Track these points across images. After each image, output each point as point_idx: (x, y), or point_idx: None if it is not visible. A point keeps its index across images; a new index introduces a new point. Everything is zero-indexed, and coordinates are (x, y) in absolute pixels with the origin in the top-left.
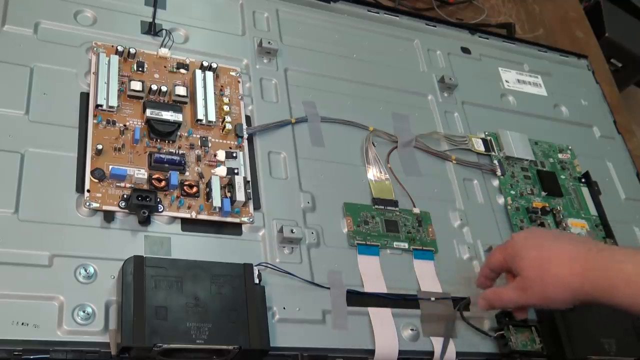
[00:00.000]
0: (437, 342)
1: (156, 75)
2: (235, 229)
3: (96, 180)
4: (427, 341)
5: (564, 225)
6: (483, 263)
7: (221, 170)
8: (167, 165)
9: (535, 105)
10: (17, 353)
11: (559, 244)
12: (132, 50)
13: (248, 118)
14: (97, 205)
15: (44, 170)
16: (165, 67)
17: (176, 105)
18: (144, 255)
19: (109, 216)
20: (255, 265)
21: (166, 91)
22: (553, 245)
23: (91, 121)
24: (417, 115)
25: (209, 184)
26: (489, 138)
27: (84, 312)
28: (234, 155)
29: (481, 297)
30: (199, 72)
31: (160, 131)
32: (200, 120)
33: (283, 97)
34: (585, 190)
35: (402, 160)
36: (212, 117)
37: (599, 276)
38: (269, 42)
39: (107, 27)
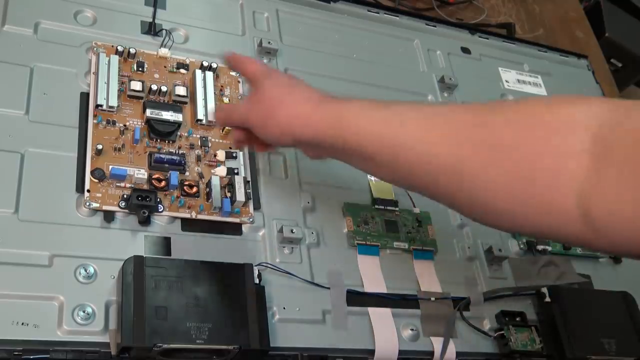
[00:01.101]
0: (437, 342)
1: (156, 75)
2: (235, 229)
3: (96, 180)
4: (427, 341)
5: None
6: (241, 57)
7: (221, 170)
8: (167, 165)
9: None
10: (17, 353)
11: (302, 86)
12: (132, 50)
13: None
14: (97, 205)
15: (44, 170)
16: (165, 67)
17: (176, 105)
18: (144, 255)
19: (109, 216)
20: (255, 265)
21: (166, 91)
22: (301, 83)
23: (91, 121)
24: None
25: (209, 184)
26: None
27: (84, 312)
28: (234, 155)
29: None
30: (199, 72)
31: (160, 131)
32: (200, 120)
33: None
34: None
35: None
36: (212, 117)
37: (330, 108)
38: (269, 42)
39: (107, 27)
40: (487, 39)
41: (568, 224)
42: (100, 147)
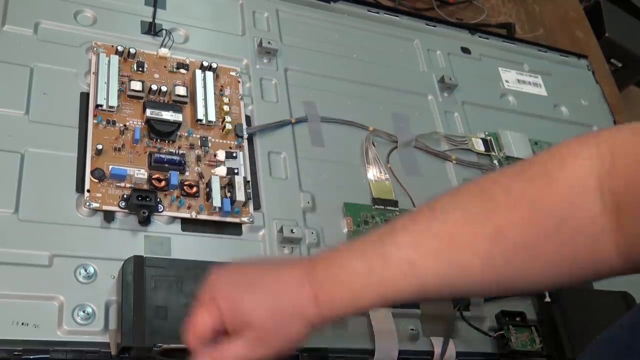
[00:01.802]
0: (437, 342)
1: (156, 75)
2: (235, 229)
3: (96, 180)
4: (427, 341)
5: None
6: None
7: (221, 170)
8: (167, 165)
9: (535, 105)
10: (17, 353)
11: (271, 274)
12: (132, 50)
13: (248, 118)
14: (97, 205)
15: (44, 170)
16: (165, 67)
17: (176, 105)
18: (144, 255)
19: (109, 216)
20: None
21: (166, 91)
22: (267, 278)
23: (91, 121)
24: (417, 115)
25: (209, 184)
26: (489, 138)
27: (84, 312)
28: (234, 155)
29: None
30: (199, 72)
31: (160, 131)
32: (200, 120)
33: (283, 97)
34: None
35: (402, 160)
36: (212, 117)
37: (335, 293)
38: (269, 42)
39: (107, 27)
40: (487, 39)
41: (612, 272)
42: (100, 147)
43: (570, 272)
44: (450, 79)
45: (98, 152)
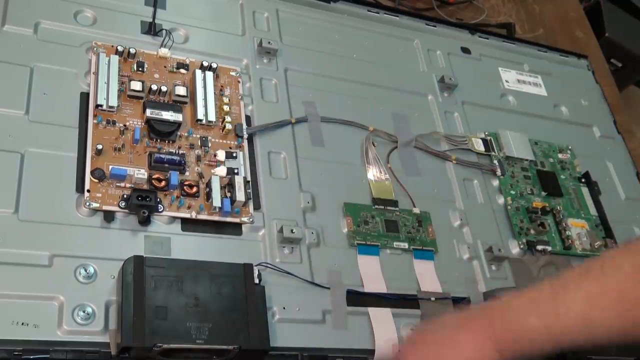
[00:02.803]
0: None
1: (156, 75)
2: (235, 229)
3: (96, 180)
4: None
5: (564, 224)
6: None
7: (221, 170)
8: (167, 165)
9: (535, 105)
10: (17, 353)
11: (456, 335)
12: (132, 50)
13: (248, 118)
14: (97, 205)
15: (44, 170)
16: (165, 67)
17: (176, 105)
18: (144, 255)
19: (109, 216)
20: (255, 265)
21: (166, 91)
22: (453, 339)
23: (91, 121)
24: (417, 115)
25: (209, 184)
26: (489, 138)
27: (84, 312)
28: (234, 155)
29: None
30: (199, 72)
31: (160, 131)
32: (200, 120)
33: (283, 97)
34: (585, 191)
35: (402, 160)
36: (212, 117)
37: (512, 344)
38: (269, 42)
39: (107, 27)
40: (487, 39)
41: None
42: (100, 147)
43: None
44: (450, 79)
45: (98, 152)
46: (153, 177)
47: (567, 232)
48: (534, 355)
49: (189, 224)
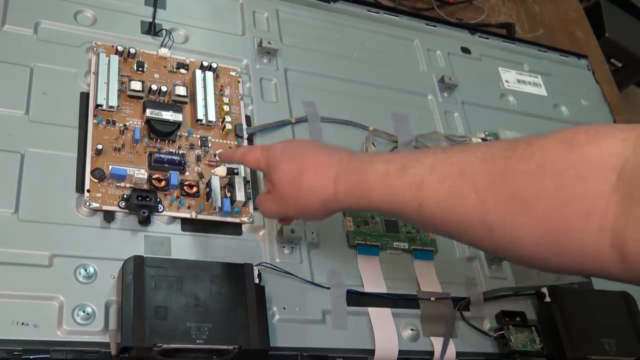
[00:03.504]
0: (437, 342)
1: (156, 75)
2: (235, 229)
3: (96, 180)
4: (427, 341)
5: None
6: (237, 150)
7: (221, 170)
8: (167, 165)
9: (535, 105)
10: (17, 353)
11: (314, 154)
12: (132, 50)
13: (248, 118)
14: (97, 205)
15: (44, 170)
16: (165, 67)
17: (176, 105)
18: (144, 255)
19: (109, 216)
20: (255, 265)
21: (166, 91)
22: (308, 156)
23: (91, 121)
24: (417, 115)
25: (209, 184)
26: (489, 138)
27: (84, 312)
28: None
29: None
30: (199, 72)
31: (160, 131)
32: (200, 120)
33: (283, 97)
34: None
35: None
36: (212, 117)
37: (351, 181)
38: (269, 42)
39: (107, 27)
40: (487, 39)
41: (602, 264)
42: (100, 147)
43: (553, 248)
44: (450, 79)
45: (98, 152)
46: (153, 177)
47: None
48: (361, 207)
49: (189, 224)
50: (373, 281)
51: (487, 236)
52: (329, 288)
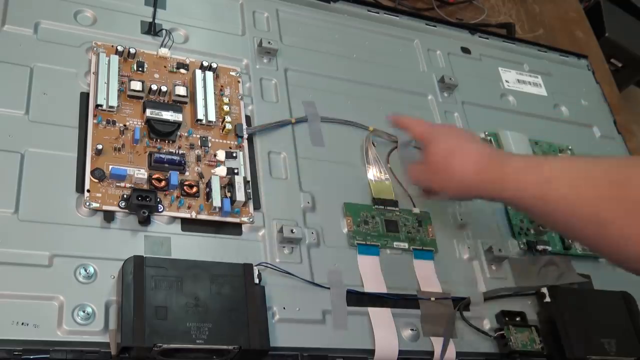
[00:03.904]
0: (437, 342)
1: (156, 75)
2: (235, 229)
3: (96, 180)
4: (427, 341)
5: None
6: (406, 118)
7: (221, 170)
8: (167, 165)
9: (535, 105)
10: (17, 353)
11: (468, 144)
12: (132, 50)
13: (248, 118)
14: (97, 205)
15: (44, 170)
16: (165, 67)
17: (176, 105)
18: (144, 255)
19: (109, 216)
20: (255, 265)
21: (166, 91)
22: (463, 143)
23: (91, 121)
24: (417, 115)
25: (209, 184)
26: (489, 138)
27: (84, 312)
28: (234, 155)
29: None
30: (199, 72)
31: (160, 131)
32: (200, 120)
33: (283, 97)
34: None
35: (402, 160)
36: (212, 117)
37: (492, 172)
38: (269, 42)
39: (107, 27)
40: (487, 39)
41: None
42: (100, 147)
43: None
44: (450, 79)
45: (98, 152)
46: (153, 177)
47: None
48: (494, 197)
49: (189, 224)
50: (373, 281)
51: (602, 235)
52: (329, 288)
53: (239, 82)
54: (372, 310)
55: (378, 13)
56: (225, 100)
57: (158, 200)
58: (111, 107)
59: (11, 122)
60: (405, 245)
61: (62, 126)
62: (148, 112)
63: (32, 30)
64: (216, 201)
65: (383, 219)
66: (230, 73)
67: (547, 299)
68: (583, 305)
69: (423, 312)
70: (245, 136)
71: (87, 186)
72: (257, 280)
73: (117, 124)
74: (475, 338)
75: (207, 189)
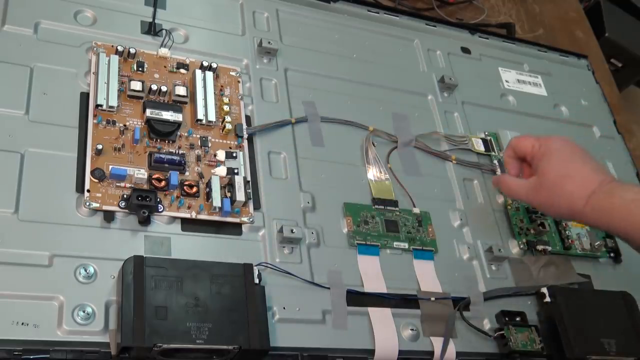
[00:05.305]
0: (437, 342)
1: (156, 75)
2: (235, 229)
3: (96, 180)
4: (427, 341)
5: (564, 225)
6: (510, 142)
7: (221, 170)
8: (167, 165)
9: (535, 105)
10: (17, 353)
11: (583, 167)
12: (132, 50)
13: (248, 118)
14: (97, 205)
15: (44, 170)
16: (165, 67)
17: (176, 105)
18: (144, 255)
19: (109, 216)
20: (255, 265)
21: (166, 91)
22: (577, 165)
23: (91, 121)
24: (417, 115)
25: (209, 184)
26: (489, 138)
27: (84, 312)
28: (234, 155)
29: (494, 178)
30: (199, 72)
31: (160, 131)
32: (200, 120)
33: (283, 97)
34: None
35: (402, 160)
36: (212, 117)
37: (602, 202)
38: (269, 42)
39: (107, 27)
40: (487, 39)
41: None
42: (100, 147)
43: None
44: (450, 79)
45: (98, 152)
46: (153, 177)
47: (567, 232)
48: (600, 226)
49: (189, 224)
50: (373, 281)
51: None
52: (329, 288)
53: (239, 82)
54: (372, 310)
55: (378, 13)
56: (225, 100)
57: (158, 200)
58: (111, 107)
59: (11, 122)
60: (405, 245)
61: (62, 126)
62: (148, 112)
63: (32, 30)
64: (216, 201)
65: (383, 219)
66: (230, 73)
67: (547, 299)
68: (583, 305)
69: (423, 312)
70: (245, 136)
71: (87, 186)
72: (257, 280)
73: (117, 124)
74: (475, 338)
75: (207, 189)
